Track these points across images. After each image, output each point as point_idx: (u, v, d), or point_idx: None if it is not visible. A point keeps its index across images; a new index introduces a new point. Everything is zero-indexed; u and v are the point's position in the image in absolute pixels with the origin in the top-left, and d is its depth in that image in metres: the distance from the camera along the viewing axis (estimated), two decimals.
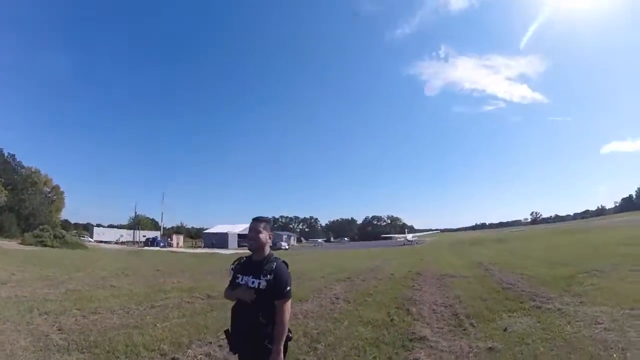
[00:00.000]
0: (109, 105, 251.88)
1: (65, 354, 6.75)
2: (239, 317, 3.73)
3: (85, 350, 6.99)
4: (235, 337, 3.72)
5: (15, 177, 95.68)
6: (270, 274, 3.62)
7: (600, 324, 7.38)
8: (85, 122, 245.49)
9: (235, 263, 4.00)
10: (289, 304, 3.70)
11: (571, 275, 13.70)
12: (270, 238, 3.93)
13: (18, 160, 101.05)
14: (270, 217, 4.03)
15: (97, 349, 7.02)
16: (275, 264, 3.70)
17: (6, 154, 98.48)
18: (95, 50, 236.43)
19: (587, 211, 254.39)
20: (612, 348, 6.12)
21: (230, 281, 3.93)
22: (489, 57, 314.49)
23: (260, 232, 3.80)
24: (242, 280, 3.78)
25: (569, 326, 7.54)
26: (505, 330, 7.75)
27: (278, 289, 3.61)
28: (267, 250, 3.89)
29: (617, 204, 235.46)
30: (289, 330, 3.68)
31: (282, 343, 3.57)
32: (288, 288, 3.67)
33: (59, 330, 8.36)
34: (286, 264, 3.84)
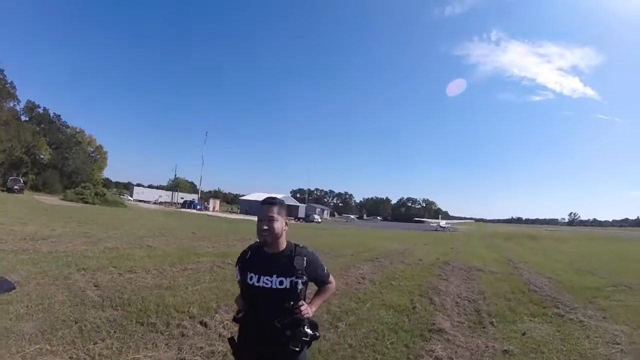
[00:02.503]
0: (156, 68, 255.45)
1: (99, 309, 6.99)
2: (251, 324, 3.09)
3: (118, 307, 7.24)
4: (244, 347, 3.10)
5: (60, 136, 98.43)
6: (304, 273, 3.01)
7: (618, 344, 7.30)
8: (132, 84, 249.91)
9: (241, 260, 3.21)
10: (333, 279, 3.37)
11: (598, 287, 13.53)
12: (286, 225, 3.14)
13: (63, 120, 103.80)
14: (282, 197, 3.38)
15: (130, 307, 7.27)
16: (305, 257, 3.06)
17: (52, 114, 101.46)
18: (142, 13, 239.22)
19: (626, 219, 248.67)
20: None
21: (240, 282, 3.19)
22: (541, 44, 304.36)
23: (274, 219, 3.01)
24: (259, 281, 3.01)
25: (587, 341, 7.48)
26: (523, 334, 7.74)
27: (320, 277, 3.23)
28: (285, 239, 3.14)
29: None
30: (317, 327, 3.09)
31: (319, 305, 3.22)
32: (326, 269, 3.28)
33: (95, 286, 8.68)
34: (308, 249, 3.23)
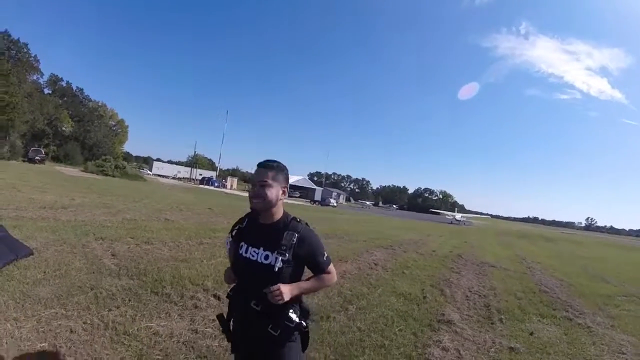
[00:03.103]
0: (178, 45, 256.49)
1: (115, 277, 7.16)
2: (236, 301, 2.88)
3: (134, 276, 7.41)
4: (236, 336, 2.90)
5: (82, 109, 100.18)
6: (290, 249, 2.63)
7: (623, 354, 7.30)
8: (155, 61, 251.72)
9: (236, 228, 2.96)
10: (333, 269, 2.89)
11: (610, 295, 13.43)
12: (284, 194, 2.80)
13: (86, 94, 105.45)
14: (283, 164, 2.83)
15: (146, 277, 7.45)
16: (296, 233, 2.66)
17: (74, 88, 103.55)
18: None
19: None
20: None
21: (230, 255, 2.96)
22: (571, 41, 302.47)
23: (267, 184, 2.67)
24: (246, 252, 2.75)
25: (593, 347, 7.50)
26: (531, 334, 7.77)
27: (315, 263, 2.78)
28: (281, 210, 2.80)
29: None
30: (307, 314, 2.82)
31: (304, 291, 2.75)
32: (325, 254, 2.81)
33: (113, 255, 8.86)
34: (308, 225, 2.82)
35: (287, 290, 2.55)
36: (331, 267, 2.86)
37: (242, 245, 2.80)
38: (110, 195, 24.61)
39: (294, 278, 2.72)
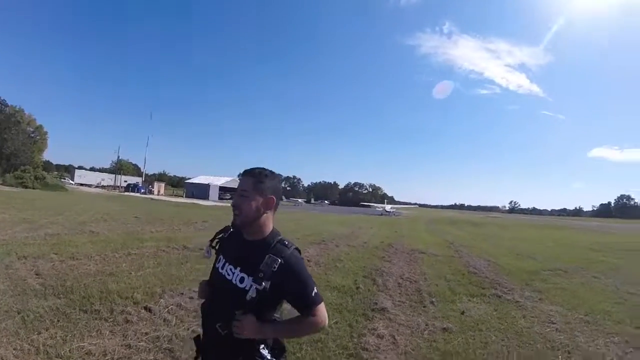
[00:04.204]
0: (98, 45, 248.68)
1: (42, 298, 6.86)
2: (205, 318, 2.44)
3: (61, 295, 7.13)
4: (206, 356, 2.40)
5: None
6: (268, 278, 2.11)
7: (553, 323, 7.67)
8: (72, 62, 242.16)
9: (218, 237, 2.58)
10: (323, 311, 2.26)
11: (536, 271, 14.07)
12: (268, 207, 2.30)
13: (2, 98, 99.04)
14: (271, 172, 2.36)
15: (73, 295, 7.17)
16: (280, 259, 2.13)
17: None
18: None
19: (564, 209, 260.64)
20: (558, 349, 6.38)
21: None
22: (492, 40, 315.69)
23: (246, 195, 2.25)
24: (222, 268, 2.36)
25: (523, 320, 7.83)
26: (462, 313, 8.05)
27: (299, 298, 2.24)
28: (268, 227, 2.33)
29: (595, 208, 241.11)
30: (281, 352, 2.35)
31: (277, 335, 2.30)
32: (315, 290, 2.22)
33: (37, 275, 8.48)
34: (299, 250, 2.31)
35: (251, 328, 2.09)
36: (320, 307, 2.24)
37: (220, 259, 2.43)
38: (31, 210, 23.63)
39: (269, 310, 2.24)
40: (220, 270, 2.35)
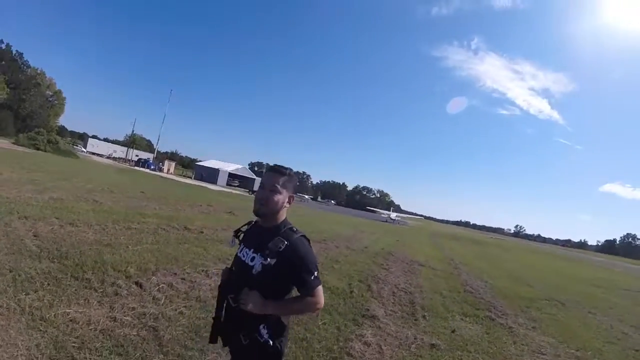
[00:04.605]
0: (125, 18, 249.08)
1: (36, 260, 6.87)
2: (229, 320, 2.61)
3: (55, 259, 7.14)
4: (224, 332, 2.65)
5: (20, 76, 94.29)
6: (274, 255, 2.43)
7: (543, 354, 7.57)
8: (98, 31, 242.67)
9: (243, 230, 2.87)
10: (320, 293, 2.50)
11: (532, 298, 13.91)
12: (289, 202, 2.70)
13: (25, 59, 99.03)
14: (294, 172, 2.72)
15: (67, 261, 7.17)
16: (286, 241, 2.46)
17: (14, 52, 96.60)
18: None
19: (569, 240, 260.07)
20: None
21: None
22: (518, 62, 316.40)
23: (276, 190, 2.58)
24: (240, 252, 2.70)
25: (513, 346, 7.74)
26: (453, 331, 7.95)
27: (299, 279, 2.48)
28: (283, 217, 2.68)
29: (600, 243, 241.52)
30: (280, 333, 2.56)
31: (279, 311, 2.50)
32: (315, 273, 2.48)
33: (35, 236, 8.50)
34: (307, 239, 2.62)
35: (255, 301, 2.37)
36: (318, 290, 2.49)
37: (240, 246, 2.74)
38: (40, 172, 23.75)
39: (276, 290, 2.51)
40: (238, 254, 2.69)
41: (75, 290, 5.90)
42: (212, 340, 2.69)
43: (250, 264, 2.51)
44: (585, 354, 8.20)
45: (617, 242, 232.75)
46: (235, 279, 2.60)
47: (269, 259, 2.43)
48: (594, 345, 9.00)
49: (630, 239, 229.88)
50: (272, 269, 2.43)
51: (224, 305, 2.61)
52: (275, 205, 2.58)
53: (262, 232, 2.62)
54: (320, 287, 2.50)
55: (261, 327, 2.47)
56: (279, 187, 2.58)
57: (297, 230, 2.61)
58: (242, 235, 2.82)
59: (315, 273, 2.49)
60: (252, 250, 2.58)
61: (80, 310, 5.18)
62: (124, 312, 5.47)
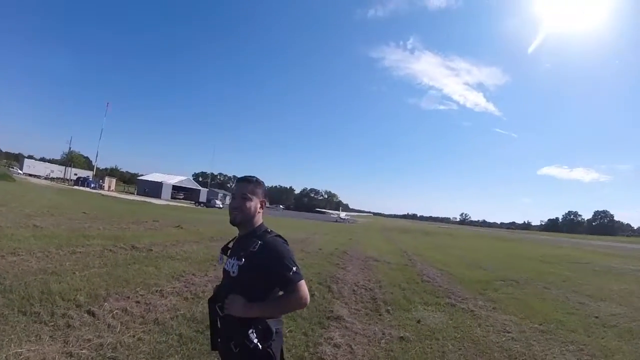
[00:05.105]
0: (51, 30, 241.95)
1: None
2: (222, 327, 2.63)
3: None
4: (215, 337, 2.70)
5: None
6: (248, 256, 2.50)
7: (508, 332, 7.70)
8: (26, 46, 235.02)
9: (228, 246, 2.88)
10: (304, 288, 2.49)
11: (488, 280, 14.21)
12: (262, 207, 2.79)
13: None
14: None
15: (12, 294, 6.77)
16: (260, 241, 2.55)
17: None
18: None
19: (513, 222, 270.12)
20: (515, 358, 6.39)
21: None
22: (453, 59, 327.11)
23: (248, 198, 2.68)
24: (226, 264, 2.72)
25: (479, 329, 7.83)
26: (418, 322, 7.97)
27: (278, 275, 2.48)
28: (258, 222, 2.76)
29: (543, 223, 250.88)
30: (267, 337, 2.44)
31: (263, 312, 2.45)
32: (293, 268, 2.47)
33: None
34: (283, 238, 2.70)
35: (238, 306, 2.43)
36: (300, 284, 2.48)
37: (227, 261, 2.75)
38: None
39: (258, 290, 2.51)
40: (224, 266, 2.72)
41: (25, 326, 5.54)
42: (213, 347, 2.76)
43: (231, 269, 2.58)
44: (548, 326, 8.37)
45: (560, 220, 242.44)
46: (223, 289, 2.64)
47: (243, 260, 2.52)
48: (555, 317, 9.23)
49: (572, 216, 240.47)
50: (248, 269, 2.50)
51: (215, 315, 2.64)
52: (248, 211, 2.68)
53: (242, 239, 2.71)
54: (302, 282, 2.50)
55: (250, 332, 2.41)
56: (248, 194, 2.69)
57: (272, 231, 2.72)
58: (230, 251, 2.81)
59: (294, 268, 2.48)
60: (234, 257, 2.62)
61: (32, 349, 4.86)
62: (80, 345, 5.16)
